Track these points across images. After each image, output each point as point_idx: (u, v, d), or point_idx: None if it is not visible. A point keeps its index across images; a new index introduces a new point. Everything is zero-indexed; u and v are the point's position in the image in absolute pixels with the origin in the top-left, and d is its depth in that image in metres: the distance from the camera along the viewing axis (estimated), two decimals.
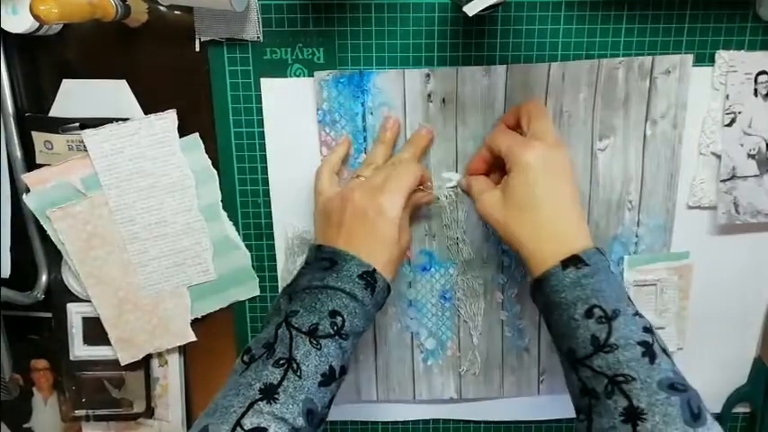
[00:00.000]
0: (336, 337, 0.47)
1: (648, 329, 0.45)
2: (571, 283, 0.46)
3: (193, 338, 0.63)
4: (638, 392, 0.42)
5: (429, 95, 0.57)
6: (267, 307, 0.64)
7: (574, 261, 0.47)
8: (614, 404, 0.43)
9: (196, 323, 0.63)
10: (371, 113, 0.58)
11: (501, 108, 0.58)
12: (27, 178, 0.58)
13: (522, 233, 0.50)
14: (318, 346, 0.46)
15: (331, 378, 0.46)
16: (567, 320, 0.46)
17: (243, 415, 0.42)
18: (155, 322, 0.62)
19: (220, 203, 0.60)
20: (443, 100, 0.57)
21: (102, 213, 0.59)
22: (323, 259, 0.50)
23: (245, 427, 0.42)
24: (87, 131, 0.57)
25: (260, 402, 0.43)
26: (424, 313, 0.63)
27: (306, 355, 0.46)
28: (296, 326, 0.47)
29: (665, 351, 0.45)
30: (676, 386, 0.43)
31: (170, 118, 0.58)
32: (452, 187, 0.60)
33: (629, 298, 0.47)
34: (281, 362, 0.45)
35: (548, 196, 0.49)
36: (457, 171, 0.59)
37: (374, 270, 0.49)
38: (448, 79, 0.57)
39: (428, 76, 0.57)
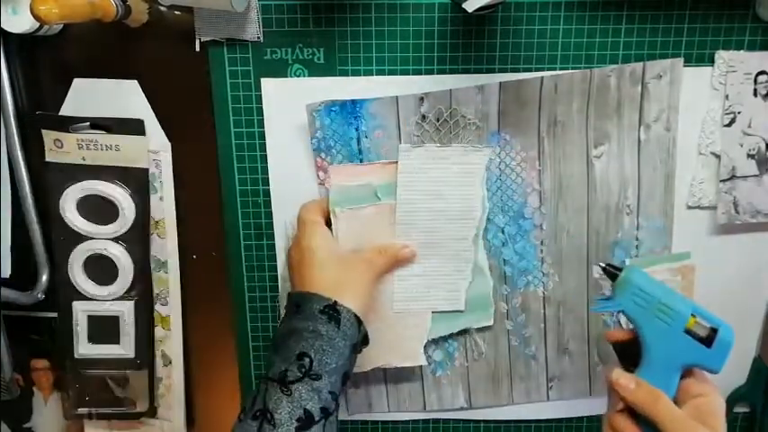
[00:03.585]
0: (306, 380, 0.47)
1: None
2: None
3: (424, 362, 0.62)
4: None
5: (423, 117, 0.58)
6: (267, 306, 0.64)
7: None
8: None
9: (196, 322, 0.63)
10: (366, 137, 0.58)
11: (495, 122, 0.58)
12: (333, 171, 0.58)
13: None
14: (288, 392, 0.46)
15: (308, 422, 0.46)
16: None
17: None
18: (390, 338, 0.61)
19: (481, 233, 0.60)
20: (438, 120, 0.58)
21: (382, 222, 0.59)
22: (291, 304, 0.51)
23: None
24: (403, 147, 0.57)
25: None
26: None
27: (277, 403, 0.46)
28: (270, 376, 0.47)
29: None
30: None
31: (486, 152, 0.58)
32: None
33: None
34: (257, 414, 0.46)
35: None
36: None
37: (335, 303, 0.49)
38: (441, 100, 0.57)
39: (422, 99, 0.57)
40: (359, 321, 0.51)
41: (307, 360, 0.47)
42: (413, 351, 0.61)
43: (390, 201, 0.58)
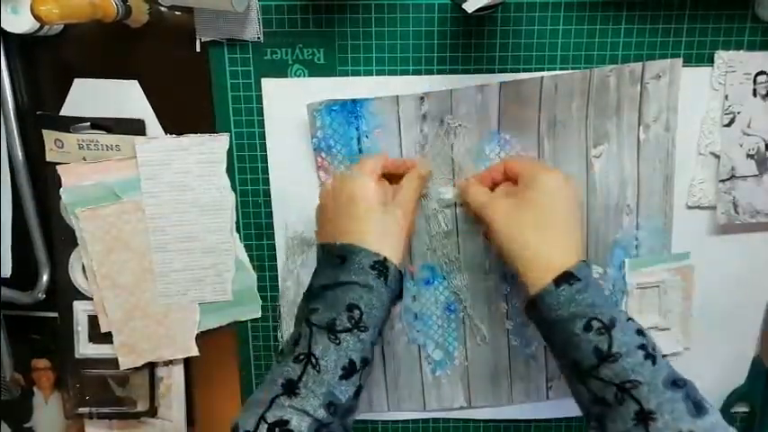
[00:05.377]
0: (355, 331, 0.48)
1: (641, 332, 0.47)
2: (566, 300, 0.47)
3: (196, 353, 0.64)
4: (646, 395, 0.44)
5: (424, 116, 0.58)
6: (268, 306, 0.64)
7: (566, 278, 0.47)
8: (626, 409, 0.44)
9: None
10: (367, 136, 0.58)
11: (495, 122, 0.58)
12: (63, 172, 0.58)
13: (524, 251, 0.50)
14: (337, 341, 0.47)
15: (351, 371, 0.47)
16: (568, 336, 0.47)
17: (267, 409, 0.44)
18: (161, 332, 0.63)
19: (234, 225, 0.61)
20: (440, 119, 0.58)
21: (130, 219, 0.60)
22: (332, 256, 0.51)
23: (268, 420, 0.44)
24: (140, 139, 0.58)
25: (281, 397, 0.45)
26: (429, 325, 0.63)
27: (324, 350, 0.47)
28: (315, 322, 0.48)
29: (656, 349, 0.47)
30: (677, 382, 0.45)
31: (223, 140, 0.59)
32: (449, 202, 0.60)
33: (616, 303, 0.49)
34: (301, 357, 0.47)
35: (558, 219, 0.50)
36: (453, 186, 0.60)
37: (384, 259, 0.50)
38: (442, 100, 0.57)
39: (422, 99, 0.57)
40: (401, 276, 0.52)
41: (356, 312, 0.48)
42: (184, 343, 0.63)
43: (133, 198, 0.59)
